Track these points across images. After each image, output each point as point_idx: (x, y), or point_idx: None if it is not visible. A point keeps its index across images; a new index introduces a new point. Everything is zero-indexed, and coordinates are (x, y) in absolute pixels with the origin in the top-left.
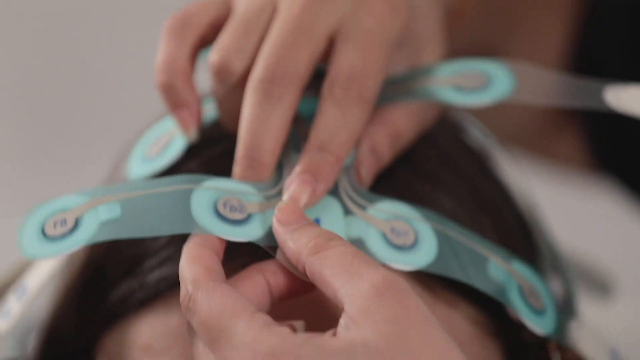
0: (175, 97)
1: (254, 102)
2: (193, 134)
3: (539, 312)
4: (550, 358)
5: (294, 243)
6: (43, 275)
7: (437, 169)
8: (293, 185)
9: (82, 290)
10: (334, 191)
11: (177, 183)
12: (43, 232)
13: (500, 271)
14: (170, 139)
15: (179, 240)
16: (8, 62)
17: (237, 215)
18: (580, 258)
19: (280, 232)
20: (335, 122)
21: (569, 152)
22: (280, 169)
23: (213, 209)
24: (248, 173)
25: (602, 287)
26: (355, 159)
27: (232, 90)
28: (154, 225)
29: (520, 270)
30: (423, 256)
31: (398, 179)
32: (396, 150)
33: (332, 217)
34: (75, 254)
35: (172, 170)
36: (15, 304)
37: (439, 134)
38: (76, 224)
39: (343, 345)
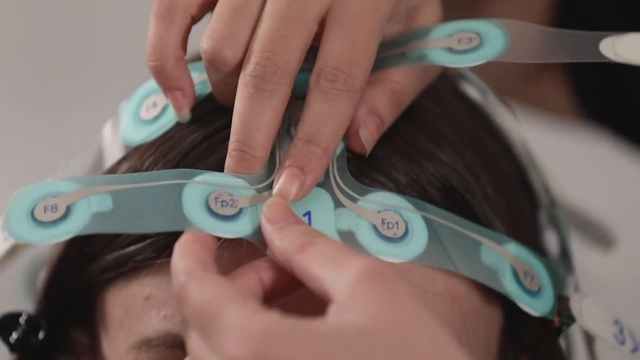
0: (166, 81)
1: (246, 97)
2: (186, 115)
3: (533, 293)
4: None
5: (280, 241)
6: None
7: (438, 123)
8: (281, 179)
9: (89, 240)
10: (325, 183)
11: (169, 177)
12: (32, 216)
13: (493, 255)
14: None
15: None
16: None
17: (229, 211)
18: (579, 210)
19: (267, 231)
20: (322, 114)
21: (552, 97)
22: (273, 157)
23: (204, 204)
24: (240, 167)
25: (601, 238)
26: (353, 122)
27: (226, 75)
28: (145, 222)
29: (515, 252)
30: (413, 247)
31: (398, 132)
32: (399, 108)
33: (323, 210)
34: None
35: (177, 141)
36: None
37: (439, 87)
38: (67, 212)
39: (333, 327)
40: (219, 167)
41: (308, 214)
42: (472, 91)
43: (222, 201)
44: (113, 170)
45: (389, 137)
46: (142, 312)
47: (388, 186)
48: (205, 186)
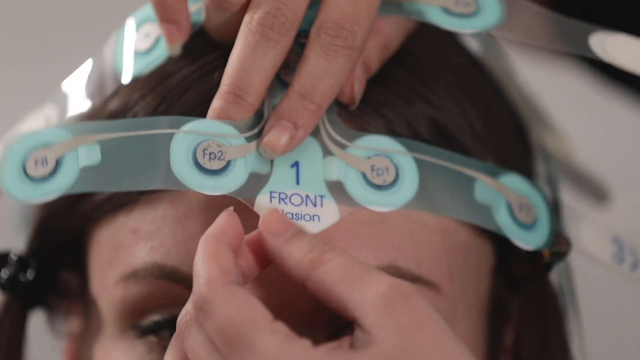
0: (165, 13)
1: (251, 43)
2: (177, 49)
3: (527, 226)
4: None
5: (289, 259)
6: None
7: (428, 63)
8: (271, 131)
9: None
10: (314, 130)
11: (158, 126)
12: (24, 170)
13: (487, 190)
14: (160, 34)
15: None
16: None
17: (216, 164)
18: (575, 163)
19: (272, 245)
20: (320, 69)
21: None
22: (262, 104)
23: (192, 158)
24: (231, 110)
25: (596, 193)
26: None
27: (226, 14)
28: (133, 178)
29: (510, 183)
30: (403, 194)
31: (388, 73)
32: (383, 61)
33: (311, 159)
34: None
35: (166, 75)
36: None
37: (431, 28)
38: (57, 166)
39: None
40: (207, 99)
41: (296, 164)
42: (473, 42)
43: (210, 153)
44: (105, 103)
45: (379, 78)
46: (130, 245)
47: (376, 120)
48: (193, 136)
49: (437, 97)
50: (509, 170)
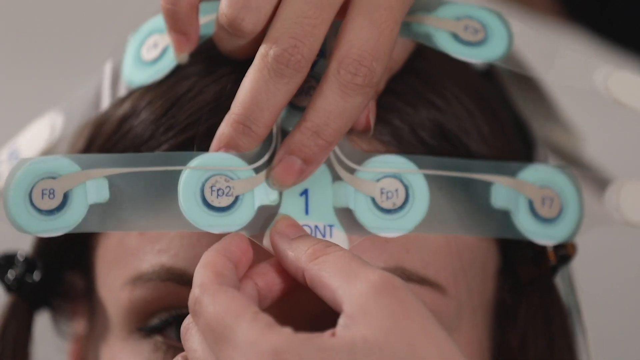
0: (176, 24)
1: (265, 77)
2: (184, 58)
3: (551, 220)
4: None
5: (292, 252)
6: (35, 144)
7: (434, 69)
8: (280, 165)
9: None
10: None
11: (165, 162)
12: (31, 200)
13: (505, 193)
14: (168, 44)
15: None
16: None
17: (224, 201)
18: (583, 157)
19: (278, 243)
20: (335, 108)
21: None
22: (271, 130)
23: (200, 196)
24: (239, 139)
25: (604, 186)
26: None
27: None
28: (141, 218)
29: (533, 177)
30: (412, 216)
31: (395, 79)
32: (388, 81)
33: (320, 186)
34: (79, 136)
35: (177, 81)
36: (4, 166)
37: None
38: (65, 200)
39: (343, 342)
40: (219, 98)
41: (305, 192)
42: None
43: (218, 189)
44: (113, 109)
45: (389, 87)
46: (137, 248)
47: (381, 126)
48: (201, 172)
49: (444, 101)
50: (529, 163)
